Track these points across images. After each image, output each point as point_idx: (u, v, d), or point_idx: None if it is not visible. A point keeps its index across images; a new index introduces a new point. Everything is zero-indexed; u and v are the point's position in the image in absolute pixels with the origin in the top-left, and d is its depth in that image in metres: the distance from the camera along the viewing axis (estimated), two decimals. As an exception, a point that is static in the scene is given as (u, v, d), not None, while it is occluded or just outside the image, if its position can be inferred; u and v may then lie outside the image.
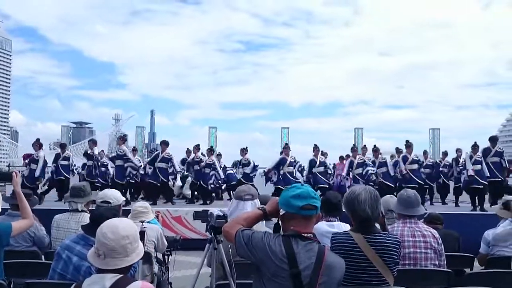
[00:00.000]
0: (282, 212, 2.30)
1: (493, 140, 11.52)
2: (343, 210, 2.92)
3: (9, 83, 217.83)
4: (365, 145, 13.56)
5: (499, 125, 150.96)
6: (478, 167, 10.90)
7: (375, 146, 13.21)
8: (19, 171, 4.44)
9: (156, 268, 4.42)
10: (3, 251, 3.33)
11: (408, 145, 12.35)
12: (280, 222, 2.34)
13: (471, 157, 11.07)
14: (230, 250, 2.94)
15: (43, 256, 4.46)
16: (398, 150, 12.89)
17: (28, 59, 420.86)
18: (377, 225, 2.82)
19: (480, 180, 10.74)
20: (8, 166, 17.31)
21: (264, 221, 2.61)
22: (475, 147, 11.19)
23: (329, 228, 3.60)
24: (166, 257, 4.77)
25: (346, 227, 3.54)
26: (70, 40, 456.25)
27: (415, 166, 12.10)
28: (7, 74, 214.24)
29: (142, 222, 4.23)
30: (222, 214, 3.04)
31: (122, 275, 2.16)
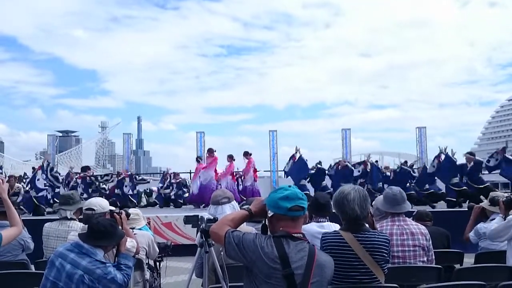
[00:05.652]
0: (270, 213, 2.31)
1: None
2: (333, 210, 2.94)
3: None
4: None
5: (484, 122, 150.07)
6: None
7: None
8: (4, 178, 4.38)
9: (147, 274, 4.39)
10: None
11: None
12: (267, 223, 2.36)
13: None
14: (222, 253, 2.94)
15: (33, 266, 4.42)
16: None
17: (9, 69, 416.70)
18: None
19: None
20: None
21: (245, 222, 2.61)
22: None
23: (319, 229, 3.60)
24: (157, 263, 4.75)
25: (336, 227, 3.55)
26: (51, 49, 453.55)
27: None
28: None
29: (133, 229, 4.21)
30: (212, 217, 3.03)
31: None
